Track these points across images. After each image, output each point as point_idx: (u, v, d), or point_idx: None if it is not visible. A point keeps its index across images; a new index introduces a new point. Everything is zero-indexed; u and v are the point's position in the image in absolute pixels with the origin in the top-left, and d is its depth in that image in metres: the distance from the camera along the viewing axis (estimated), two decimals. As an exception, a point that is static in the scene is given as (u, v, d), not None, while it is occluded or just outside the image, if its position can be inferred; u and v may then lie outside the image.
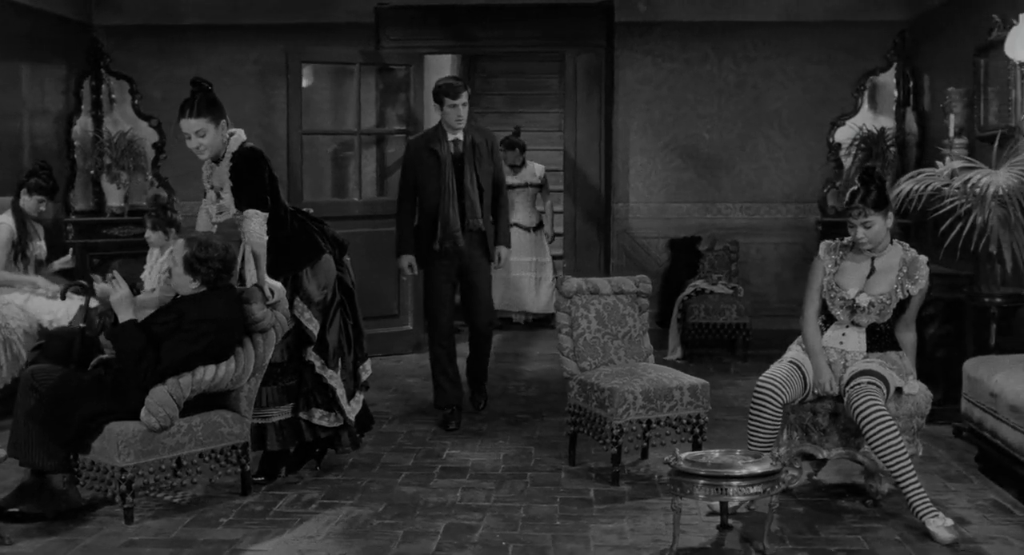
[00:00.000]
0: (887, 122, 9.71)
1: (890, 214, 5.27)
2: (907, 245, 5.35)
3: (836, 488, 5.58)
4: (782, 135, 9.96)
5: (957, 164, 6.48)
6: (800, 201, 9.97)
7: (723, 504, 4.97)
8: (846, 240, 5.39)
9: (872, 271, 5.26)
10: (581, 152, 10.01)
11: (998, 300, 6.52)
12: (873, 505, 5.31)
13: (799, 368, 5.27)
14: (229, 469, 5.35)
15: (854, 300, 5.23)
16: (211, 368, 5.15)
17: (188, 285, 5.23)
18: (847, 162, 9.79)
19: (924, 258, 5.29)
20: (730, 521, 5.00)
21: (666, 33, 9.86)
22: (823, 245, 5.43)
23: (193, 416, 5.18)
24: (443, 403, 6.97)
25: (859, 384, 5.06)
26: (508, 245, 7.13)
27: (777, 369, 5.26)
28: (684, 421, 5.78)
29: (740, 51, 9.90)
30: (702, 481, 4.60)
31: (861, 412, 4.97)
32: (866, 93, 9.85)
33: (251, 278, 5.36)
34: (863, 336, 5.28)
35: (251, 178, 5.34)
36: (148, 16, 9.77)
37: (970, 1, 8.26)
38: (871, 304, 5.22)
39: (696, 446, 5.79)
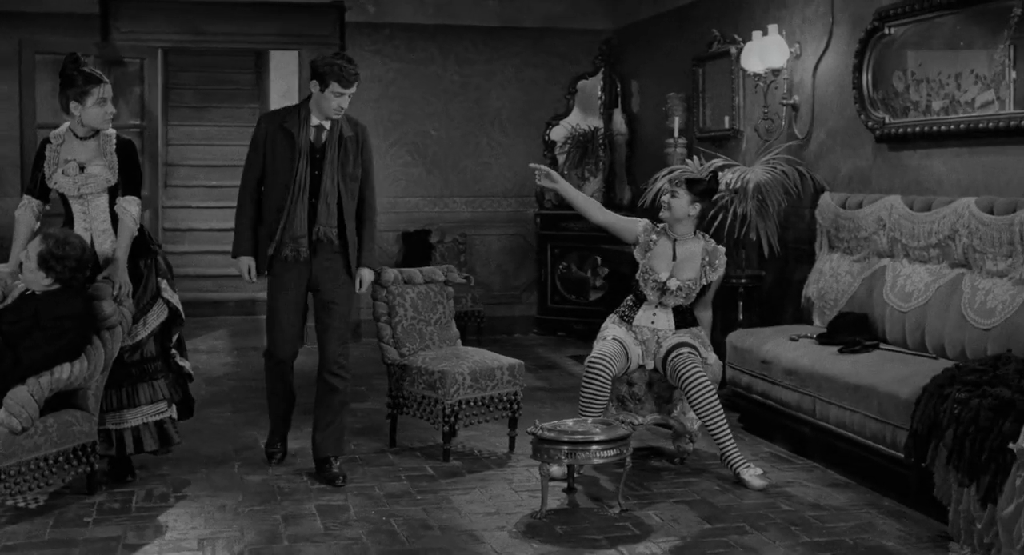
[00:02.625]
0: (596, 122, 10.60)
1: (696, 205, 5.96)
2: (707, 236, 6.09)
3: (641, 450, 6.22)
4: (502, 133, 10.63)
5: (717, 162, 7.31)
6: (520, 195, 10.68)
7: (570, 468, 5.50)
8: (659, 226, 6.04)
9: (675, 257, 5.94)
10: (317, 148, 10.20)
11: (743, 281, 7.45)
12: (680, 463, 6.02)
13: (622, 344, 5.88)
14: (80, 469, 5.27)
15: (665, 283, 5.90)
16: (67, 366, 5.07)
17: (41, 282, 5.12)
18: (561, 158, 10.62)
19: (722, 248, 6.05)
20: (575, 485, 5.54)
21: (394, 34, 10.26)
22: (645, 222, 6.03)
23: (47, 416, 5.08)
24: (270, 439, 6.08)
25: (681, 354, 5.74)
26: (374, 267, 5.92)
27: (605, 346, 5.85)
28: (504, 398, 6.26)
29: (463, 53, 10.47)
30: (566, 447, 5.11)
31: (686, 378, 5.65)
32: (577, 95, 10.70)
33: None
34: (671, 316, 5.96)
35: (136, 167, 5.60)
36: None
37: (684, 15, 9.23)
38: (679, 288, 5.90)
39: (513, 421, 6.29)
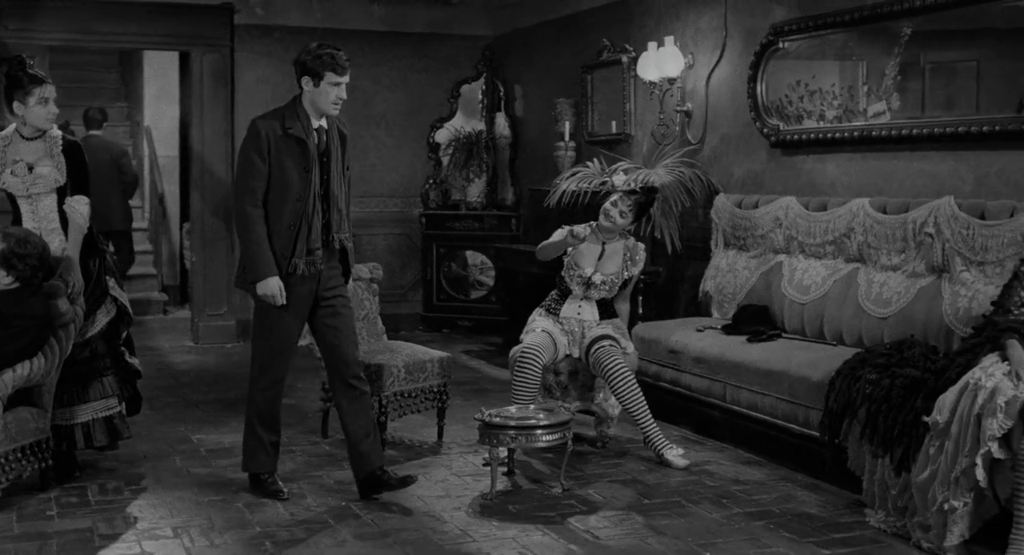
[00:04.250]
0: (478, 125, 10.96)
1: (634, 221, 6.43)
2: (628, 233, 6.51)
3: (563, 437, 6.60)
4: (388, 135, 10.90)
5: (622, 165, 7.75)
6: (405, 196, 10.98)
7: (510, 452, 5.84)
8: (592, 224, 6.42)
9: (602, 254, 6.35)
10: (208, 148, 10.25)
11: (642, 276, 7.90)
12: (603, 447, 6.43)
13: (550, 335, 6.25)
14: (35, 465, 5.35)
15: (590, 278, 6.30)
16: (27, 363, 5.16)
17: (1, 280, 5.18)
18: (446, 160, 10.94)
19: (642, 245, 6.49)
20: (514, 469, 5.88)
21: (283, 37, 10.39)
22: (576, 229, 6.39)
23: (6, 414, 5.15)
24: (263, 468, 5.48)
25: (602, 346, 6.15)
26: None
27: (535, 338, 6.21)
28: (434, 390, 6.55)
29: (350, 57, 10.61)
30: (512, 431, 5.46)
31: (608, 369, 6.06)
32: (460, 99, 11.05)
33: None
34: (595, 308, 6.36)
35: (84, 167, 5.67)
36: None
37: (570, 23, 9.67)
38: (603, 282, 6.31)
39: (441, 411, 6.60)
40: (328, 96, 5.20)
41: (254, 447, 5.43)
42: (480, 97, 11.03)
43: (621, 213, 6.33)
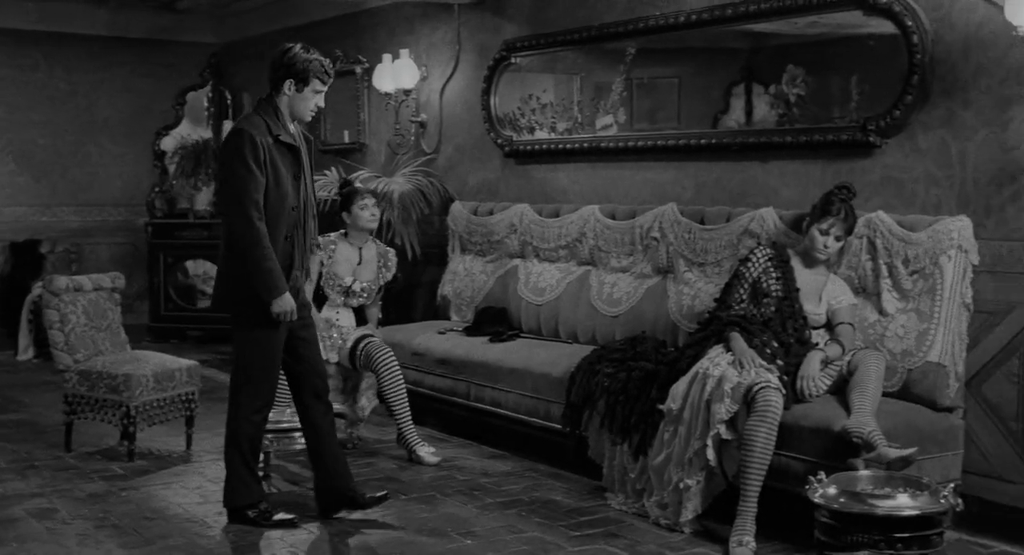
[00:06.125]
0: (206, 133, 10.89)
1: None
2: (379, 241, 6.71)
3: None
4: (112, 142, 10.68)
5: (363, 174, 7.93)
6: (130, 204, 10.78)
7: (266, 456, 5.92)
8: (340, 233, 6.57)
9: (361, 260, 6.54)
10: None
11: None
12: (353, 448, 6.60)
13: (303, 342, 6.38)
14: None
15: (350, 286, 6.48)
16: None
17: None
18: (172, 168, 10.80)
19: (392, 250, 6.71)
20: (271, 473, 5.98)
21: (-2, 40, 10.04)
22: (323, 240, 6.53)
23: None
24: (253, 498, 5.14)
25: (372, 341, 6.36)
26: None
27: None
28: (183, 398, 6.54)
29: (72, 61, 10.40)
30: (270, 435, 5.60)
31: (379, 361, 6.26)
32: (186, 107, 10.94)
33: None
34: (352, 314, 6.54)
35: None
36: None
37: (301, 34, 9.74)
38: (362, 289, 6.51)
39: (190, 419, 6.59)
40: (308, 103, 4.99)
41: (244, 476, 5.10)
42: (207, 105, 10.95)
43: (372, 214, 6.54)
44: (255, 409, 5.09)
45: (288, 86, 4.93)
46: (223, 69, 10.90)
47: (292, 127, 5.01)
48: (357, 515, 5.22)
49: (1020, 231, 4.87)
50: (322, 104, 5.07)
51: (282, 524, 5.07)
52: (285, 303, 4.90)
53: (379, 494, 5.24)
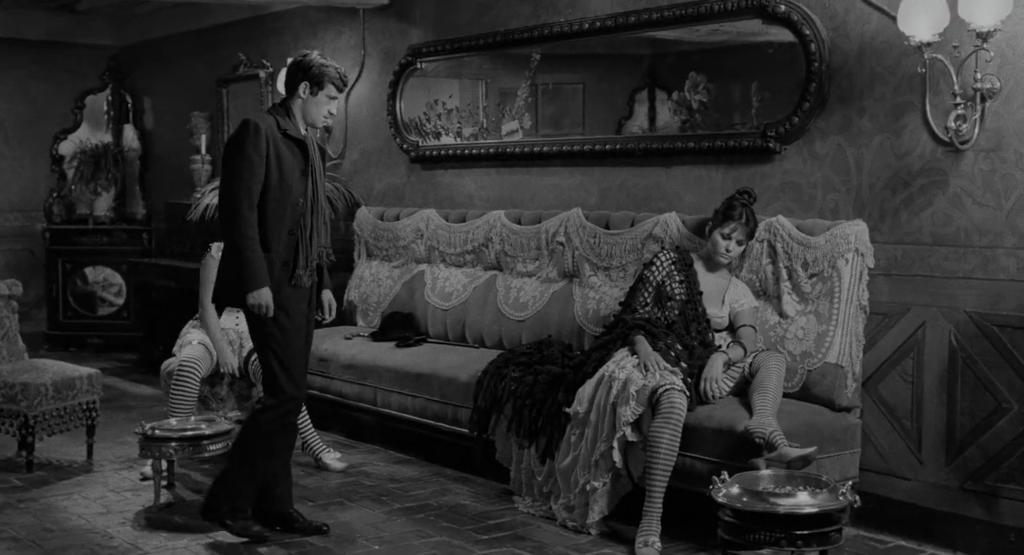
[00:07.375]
0: (105, 137, 10.70)
1: None
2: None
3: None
4: (7, 146, 10.43)
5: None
6: (27, 209, 10.53)
7: (170, 465, 5.84)
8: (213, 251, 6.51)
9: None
10: None
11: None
12: (259, 455, 6.54)
13: (206, 347, 6.29)
14: None
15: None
16: None
17: None
18: (71, 173, 10.59)
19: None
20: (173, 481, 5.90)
21: None
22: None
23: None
24: (248, 502, 5.06)
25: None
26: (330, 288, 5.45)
27: (192, 350, 6.22)
28: (84, 407, 6.42)
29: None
30: (175, 443, 5.51)
31: None
32: (85, 110, 10.73)
33: None
34: (249, 318, 6.48)
35: None
36: None
37: (204, 37, 9.66)
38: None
39: (91, 429, 6.47)
40: (321, 108, 4.96)
41: (245, 480, 5.00)
42: (106, 108, 10.76)
43: None
44: (279, 401, 4.96)
45: (303, 89, 4.94)
46: (123, 72, 10.73)
47: (303, 129, 5.00)
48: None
49: (913, 235, 5.01)
50: (335, 112, 5.05)
51: (254, 538, 5.00)
52: (261, 297, 4.79)
53: (319, 524, 5.20)
